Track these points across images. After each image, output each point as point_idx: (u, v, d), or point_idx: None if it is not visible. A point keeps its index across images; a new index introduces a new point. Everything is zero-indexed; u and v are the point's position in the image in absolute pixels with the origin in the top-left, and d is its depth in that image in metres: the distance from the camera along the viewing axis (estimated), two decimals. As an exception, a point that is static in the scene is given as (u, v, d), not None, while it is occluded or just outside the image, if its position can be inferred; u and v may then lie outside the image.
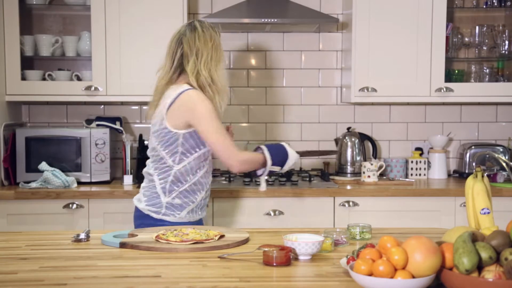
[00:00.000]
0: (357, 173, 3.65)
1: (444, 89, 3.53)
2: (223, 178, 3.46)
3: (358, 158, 3.67)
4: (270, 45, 3.85)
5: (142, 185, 2.55)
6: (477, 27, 3.76)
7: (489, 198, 1.89)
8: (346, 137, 3.69)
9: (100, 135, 3.42)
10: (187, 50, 2.43)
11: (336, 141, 3.75)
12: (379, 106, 3.90)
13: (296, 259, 1.81)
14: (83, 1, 3.55)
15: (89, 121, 3.60)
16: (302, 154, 2.73)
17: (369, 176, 3.45)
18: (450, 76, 3.70)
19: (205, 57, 2.41)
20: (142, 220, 2.48)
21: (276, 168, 2.52)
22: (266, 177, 2.58)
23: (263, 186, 2.66)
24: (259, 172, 2.53)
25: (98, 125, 3.55)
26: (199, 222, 2.57)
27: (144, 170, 2.55)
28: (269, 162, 2.47)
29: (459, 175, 3.80)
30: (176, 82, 2.46)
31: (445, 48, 3.52)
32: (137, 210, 2.53)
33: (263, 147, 2.51)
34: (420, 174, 3.75)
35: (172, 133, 2.37)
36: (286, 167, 2.55)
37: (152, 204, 2.46)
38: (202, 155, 2.43)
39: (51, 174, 3.26)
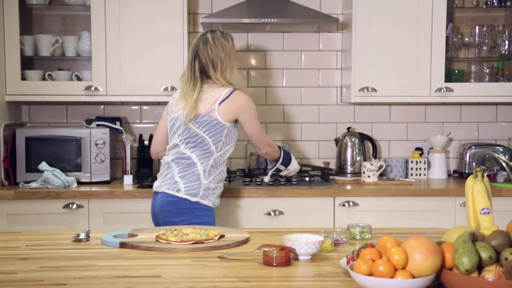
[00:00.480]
0: (357, 173, 3.65)
1: (444, 89, 3.53)
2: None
3: (358, 158, 3.67)
4: (270, 45, 3.85)
5: (178, 169, 2.70)
6: (477, 27, 3.76)
7: (489, 198, 1.89)
8: (346, 137, 3.69)
9: (100, 135, 3.42)
10: (203, 61, 2.74)
11: (336, 141, 3.75)
12: (379, 106, 3.90)
13: (296, 259, 1.81)
14: (83, 1, 3.55)
15: (89, 121, 3.60)
16: (302, 165, 3.41)
17: (369, 176, 3.45)
18: (450, 76, 3.70)
19: (220, 67, 2.73)
20: (178, 205, 2.66)
21: (282, 167, 3.07)
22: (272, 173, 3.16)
23: (267, 178, 3.23)
24: (269, 166, 3.09)
25: (98, 125, 3.55)
26: (212, 212, 2.76)
27: (173, 156, 2.72)
28: (281, 159, 3.02)
29: (459, 175, 3.80)
30: (209, 83, 2.74)
31: (445, 48, 3.52)
32: (167, 196, 2.68)
33: (281, 146, 3.06)
34: (420, 174, 3.75)
35: (221, 124, 2.68)
36: (285, 172, 3.11)
37: (190, 187, 2.67)
38: (231, 148, 2.77)
39: (51, 174, 3.26)
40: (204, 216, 2.66)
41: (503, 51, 3.71)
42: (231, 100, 2.69)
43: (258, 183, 3.33)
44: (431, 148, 3.82)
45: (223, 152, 2.72)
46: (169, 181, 2.70)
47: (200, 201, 2.67)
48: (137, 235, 2.09)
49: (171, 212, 2.66)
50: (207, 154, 2.69)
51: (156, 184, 2.78)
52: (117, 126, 3.59)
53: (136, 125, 3.83)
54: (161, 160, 2.85)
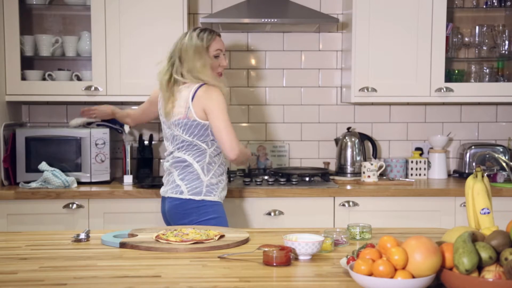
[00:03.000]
0: (357, 173, 3.65)
1: (444, 89, 3.53)
2: (223, 178, 3.46)
3: (358, 158, 3.67)
4: (270, 45, 3.85)
5: (177, 173, 2.73)
6: (477, 27, 3.76)
7: (489, 198, 1.89)
8: (346, 137, 3.69)
9: (100, 135, 3.42)
10: (176, 59, 2.76)
11: (336, 141, 3.75)
12: (379, 106, 3.90)
13: (296, 259, 1.81)
14: (83, 1, 3.55)
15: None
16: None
17: (369, 176, 3.45)
18: (450, 76, 3.70)
19: (185, 64, 2.72)
20: (184, 206, 2.69)
21: None
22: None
23: None
24: None
25: (98, 125, 3.54)
26: (220, 206, 2.76)
27: (171, 161, 2.76)
28: None
29: (459, 175, 3.80)
30: (184, 83, 2.73)
31: (445, 48, 3.52)
32: (172, 200, 2.72)
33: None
34: (420, 174, 3.75)
35: (201, 124, 2.67)
36: None
37: (193, 187, 2.69)
38: None
39: (51, 174, 3.26)
40: (212, 212, 2.69)
41: (503, 51, 3.71)
42: (198, 95, 2.66)
43: (258, 183, 3.33)
44: (431, 148, 3.82)
45: (216, 146, 2.73)
46: (172, 185, 2.75)
47: (205, 198, 2.69)
48: (137, 235, 2.10)
49: (179, 214, 2.70)
50: (201, 152, 2.71)
51: (162, 190, 2.85)
52: (118, 127, 3.56)
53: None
54: (163, 166, 2.89)
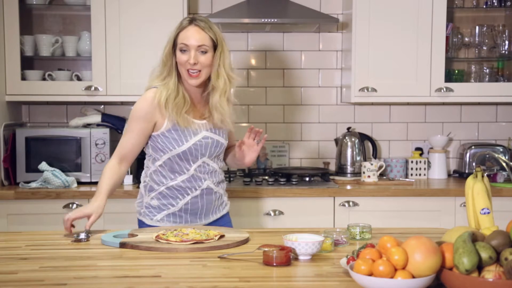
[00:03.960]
0: (357, 173, 3.65)
1: (444, 89, 3.53)
2: (223, 178, 3.45)
3: (358, 158, 3.67)
4: (270, 45, 3.85)
5: None
6: (477, 27, 3.76)
7: (489, 198, 1.89)
8: (346, 137, 3.69)
9: (100, 135, 3.42)
10: None
11: (336, 141, 3.75)
12: (379, 106, 3.90)
13: (296, 259, 1.81)
14: (83, 1, 3.55)
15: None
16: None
17: (369, 176, 3.45)
18: (450, 76, 3.70)
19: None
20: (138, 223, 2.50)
21: None
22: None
23: None
24: None
25: (98, 125, 3.54)
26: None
27: None
28: None
29: (459, 175, 3.80)
30: None
31: (445, 48, 3.52)
32: None
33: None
34: (420, 174, 3.75)
35: (142, 138, 2.41)
36: None
37: (138, 204, 2.46)
38: (172, 158, 2.32)
39: (51, 174, 3.26)
40: None
41: (503, 51, 3.71)
42: None
43: (258, 183, 3.33)
44: (431, 148, 3.82)
45: (158, 165, 2.37)
46: None
47: (143, 220, 2.39)
48: (137, 235, 2.09)
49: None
50: (146, 168, 2.44)
51: None
52: (118, 127, 3.56)
53: (136, 125, 3.82)
54: None
